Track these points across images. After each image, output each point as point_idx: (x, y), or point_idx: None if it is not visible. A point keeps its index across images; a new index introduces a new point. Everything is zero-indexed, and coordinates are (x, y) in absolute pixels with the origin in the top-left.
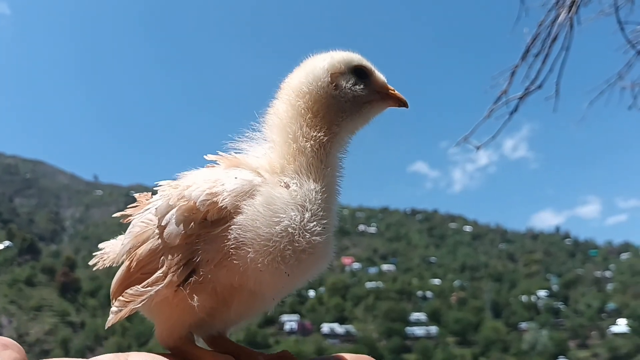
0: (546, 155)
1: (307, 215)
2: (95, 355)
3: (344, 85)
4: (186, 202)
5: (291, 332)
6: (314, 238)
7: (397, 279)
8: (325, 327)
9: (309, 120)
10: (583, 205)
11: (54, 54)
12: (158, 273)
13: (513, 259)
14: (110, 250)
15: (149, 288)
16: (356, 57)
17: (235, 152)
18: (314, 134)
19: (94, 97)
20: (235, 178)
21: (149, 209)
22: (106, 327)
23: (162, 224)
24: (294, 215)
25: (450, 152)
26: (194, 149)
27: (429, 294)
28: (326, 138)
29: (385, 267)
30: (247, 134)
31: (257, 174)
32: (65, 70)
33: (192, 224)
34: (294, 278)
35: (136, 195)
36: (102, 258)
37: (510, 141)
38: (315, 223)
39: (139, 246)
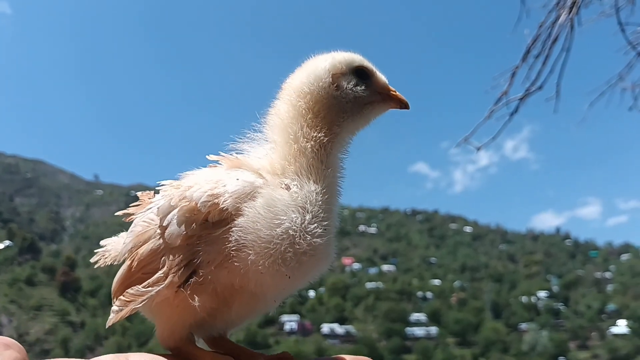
0: (547, 156)
1: (307, 217)
2: (95, 356)
3: (345, 86)
4: (188, 203)
5: (291, 332)
6: (314, 240)
7: (397, 280)
8: (325, 328)
9: (310, 120)
10: (583, 206)
11: (54, 54)
12: (159, 273)
13: (513, 260)
14: (112, 248)
15: (150, 288)
16: (358, 58)
17: (237, 153)
18: (315, 134)
19: (94, 96)
20: (237, 179)
21: (150, 208)
22: (107, 327)
23: (164, 224)
24: (295, 217)
25: (451, 153)
26: (195, 148)
27: (429, 294)
28: (327, 139)
29: (386, 267)
30: (248, 135)
31: (259, 175)
32: (65, 70)
33: (193, 225)
34: (294, 280)
35: (139, 193)
36: (103, 256)
37: (510, 142)
38: (316, 225)
39: (141, 246)
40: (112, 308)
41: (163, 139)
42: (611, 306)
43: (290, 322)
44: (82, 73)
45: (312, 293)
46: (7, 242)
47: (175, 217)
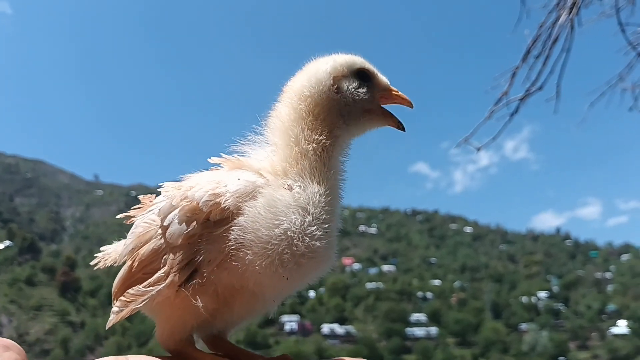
0: (547, 157)
1: (308, 218)
2: (95, 356)
3: (346, 89)
4: (189, 203)
5: (291, 332)
6: (313, 242)
7: (397, 280)
8: (326, 328)
9: (311, 123)
10: (583, 206)
11: (54, 54)
12: (160, 273)
13: (513, 260)
14: (112, 251)
15: (151, 288)
16: (359, 60)
17: (238, 155)
18: (316, 137)
19: (94, 96)
20: (238, 179)
21: (152, 210)
22: (107, 327)
23: (165, 224)
24: (295, 218)
25: (451, 153)
26: (195, 149)
27: (429, 294)
28: (329, 142)
29: (386, 267)
30: (249, 137)
31: (260, 175)
32: (66, 70)
33: (194, 224)
34: (292, 281)
35: (140, 197)
36: (103, 259)
37: (511, 142)
38: (315, 227)
39: (142, 246)
40: (113, 309)
41: (163, 139)
42: (611, 306)
43: (290, 322)
44: (83, 73)
45: (312, 293)
46: (7, 242)
47: (177, 216)
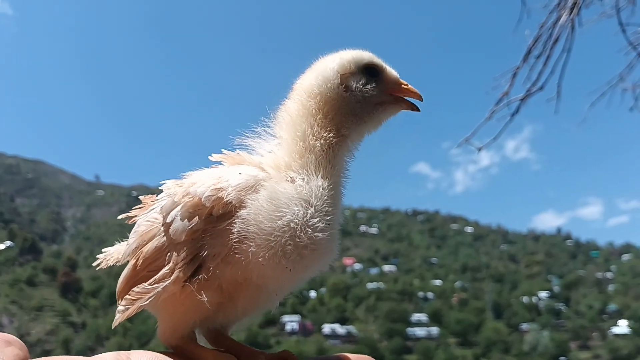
0: (548, 157)
1: (310, 210)
2: None
3: (354, 86)
4: (191, 199)
5: (292, 332)
6: (316, 234)
7: (398, 280)
8: (327, 328)
9: (320, 120)
10: (584, 206)
11: (55, 54)
12: (165, 269)
13: (514, 260)
14: (115, 252)
15: (156, 285)
16: (367, 56)
17: (241, 149)
18: (325, 134)
19: (95, 96)
20: (240, 174)
21: (154, 208)
22: (114, 326)
23: (168, 221)
24: (297, 210)
25: (452, 153)
26: (196, 149)
27: (430, 294)
28: (335, 140)
29: (387, 267)
30: (255, 130)
31: (261, 169)
32: (67, 70)
33: (197, 219)
34: (295, 273)
35: (141, 197)
36: (105, 259)
37: (511, 142)
38: (318, 219)
39: (145, 244)
40: (118, 308)
41: (164, 139)
42: (612, 306)
43: (291, 322)
44: (84, 73)
45: (313, 293)
46: (8, 243)
47: (179, 213)
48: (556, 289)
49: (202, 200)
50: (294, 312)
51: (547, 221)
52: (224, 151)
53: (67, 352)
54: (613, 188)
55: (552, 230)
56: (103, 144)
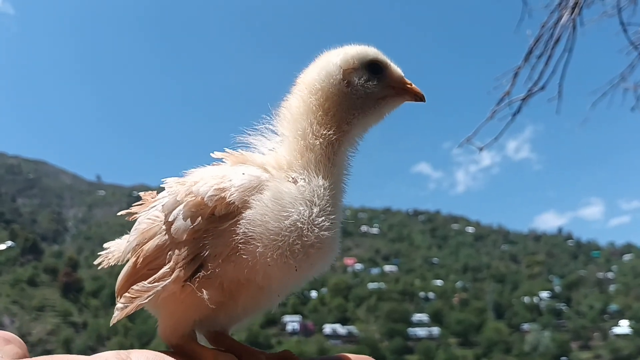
0: (549, 157)
1: (315, 210)
2: None
3: (356, 82)
4: (194, 198)
5: (293, 332)
6: (322, 233)
7: (399, 280)
8: (328, 328)
9: (320, 118)
10: (586, 206)
11: (57, 54)
12: (165, 268)
13: (515, 260)
14: (115, 249)
15: (156, 283)
16: (371, 51)
17: (244, 147)
18: (324, 132)
19: (96, 97)
20: (243, 174)
21: (155, 206)
22: (111, 324)
23: (170, 219)
24: (303, 210)
25: (454, 153)
26: (197, 149)
27: (431, 295)
28: (335, 137)
29: (388, 268)
30: (257, 127)
31: (264, 169)
32: (68, 70)
33: (199, 219)
34: (301, 272)
35: (141, 193)
36: (107, 257)
37: (513, 142)
38: (323, 218)
39: (146, 242)
40: (117, 305)
41: (165, 139)
42: (613, 306)
43: (292, 322)
44: (85, 74)
45: (314, 294)
46: (10, 243)
47: (182, 212)
48: (557, 289)
49: (205, 199)
50: (295, 312)
51: (548, 221)
52: (227, 149)
53: (68, 352)
54: (614, 188)
55: (553, 230)
56: (104, 144)
